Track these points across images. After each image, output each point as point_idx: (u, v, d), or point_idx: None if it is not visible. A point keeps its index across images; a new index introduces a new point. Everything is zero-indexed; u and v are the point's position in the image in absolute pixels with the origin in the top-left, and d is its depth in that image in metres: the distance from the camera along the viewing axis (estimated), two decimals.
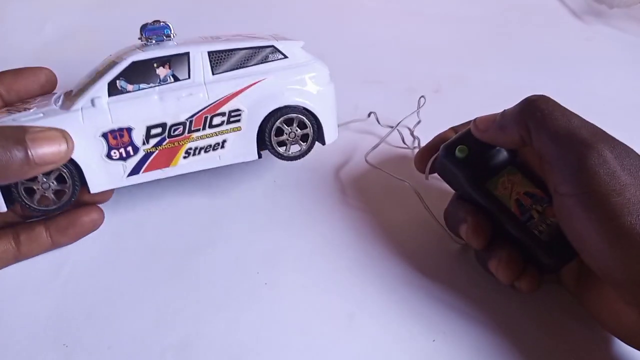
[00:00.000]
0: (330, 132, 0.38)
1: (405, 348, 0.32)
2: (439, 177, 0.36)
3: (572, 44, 0.57)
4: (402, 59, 0.53)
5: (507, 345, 0.32)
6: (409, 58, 0.53)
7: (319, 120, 0.37)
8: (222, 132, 0.35)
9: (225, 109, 0.34)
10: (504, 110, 0.33)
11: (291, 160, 0.37)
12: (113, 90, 0.33)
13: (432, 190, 0.39)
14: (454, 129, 0.37)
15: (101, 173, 0.34)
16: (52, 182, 0.32)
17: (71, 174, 0.33)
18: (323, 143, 0.38)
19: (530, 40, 0.56)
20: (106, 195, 0.36)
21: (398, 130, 0.44)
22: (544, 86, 0.50)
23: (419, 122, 0.45)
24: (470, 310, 0.34)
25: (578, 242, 0.29)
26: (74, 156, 0.32)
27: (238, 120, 0.35)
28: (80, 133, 0.32)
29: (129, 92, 0.33)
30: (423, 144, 0.38)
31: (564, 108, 0.30)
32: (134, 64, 0.33)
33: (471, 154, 0.34)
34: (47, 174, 0.32)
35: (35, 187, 0.32)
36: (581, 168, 0.28)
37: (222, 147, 0.35)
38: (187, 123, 0.34)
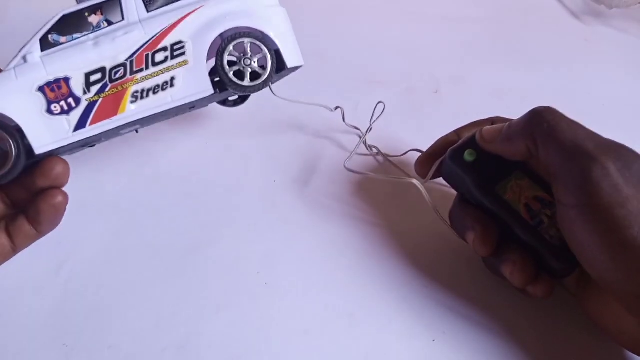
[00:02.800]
0: (290, 55, 0.35)
1: (405, 348, 0.32)
2: (432, 180, 0.36)
3: (571, 44, 0.57)
4: (402, 59, 0.53)
5: (507, 346, 0.32)
6: (408, 58, 0.53)
7: (273, 41, 0.34)
8: (168, 69, 0.33)
9: (165, 43, 0.33)
10: (510, 121, 0.33)
11: (255, 90, 0.35)
12: (45, 45, 0.32)
13: (432, 191, 0.39)
14: (456, 132, 0.37)
15: (44, 131, 0.32)
16: None
17: (11, 134, 0.31)
18: (285, 67, 0.35)
19: (529, 41, 0.56)
20: (61, 174, 0.33)
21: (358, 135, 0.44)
22: (543, 87, 0.50)
23: (369, 130, 0.43)
24: (470, 311, 0.34)
25: (580, 253, 0.29)
26: (10, 115, 0.31)
27: (183, 54, 0.33)
28: (16, 90, 0.31)
29: (62, 44, 0.32)
30: (383, 151, 0.37)
31: (570, 120, 0.30)
32: (64, 17, 0.32)
33: (480, 158, 0.33)
34: None
35: None
36: (584, 180, 0.28)
37: (172, 85, 0.33)
38: (128, 64, 0.32)
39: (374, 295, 0.35)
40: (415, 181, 0.36)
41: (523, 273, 0.31)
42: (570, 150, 0.29)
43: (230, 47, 0.34)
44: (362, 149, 0.43)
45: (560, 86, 0.50)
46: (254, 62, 0.34)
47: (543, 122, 0.30)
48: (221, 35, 0.34)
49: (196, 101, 0.34)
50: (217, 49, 0.34)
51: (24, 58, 0.32)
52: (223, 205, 0.40)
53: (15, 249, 0.33)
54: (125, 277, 0.35)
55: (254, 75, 0.34)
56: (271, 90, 0.36)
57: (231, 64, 0.34)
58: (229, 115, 0.46)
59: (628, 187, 0.27)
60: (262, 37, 0.34)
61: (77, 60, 0.32)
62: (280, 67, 0.35)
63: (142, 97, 0.33)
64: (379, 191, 0.41)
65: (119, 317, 0.33)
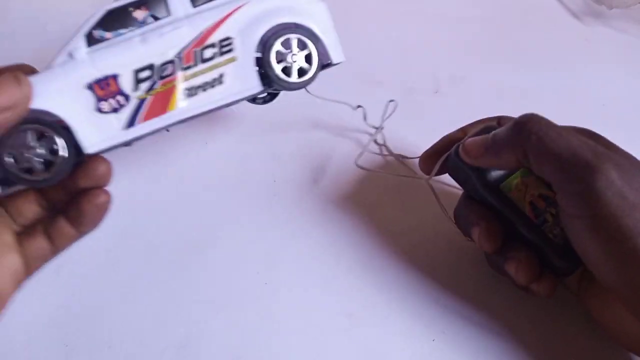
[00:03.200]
0: (335, 51, 0.35)
1: (404, 348, 0.32)
2: (437, 178, 0.36)
3: (572, 44, 0.57)
4: (402, 60, 0.53)
5: (507, 345, 0.32)
6: (408, 58, 0.53)
7: (318, 37, 0.34)
8: (217, 66, 0.32)
9: (214, 39, 0.32)
10: (494, 133, 0.32)
11: (302, 87, 0.34)
12: (91, 41, 0.31)
13: (437, 191, 0.39)
14: (462, 130, 0.37)
15: (94, 130, 0.31)
16: (41, 150, 0.29)
17: (60, 134, 0.30)
18: (330, 63, 0.35)
19: (530, 41, 0.56)
20: (105, 174, 0.32)
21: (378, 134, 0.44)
22: (543, 86, 0.50)
23: (380, 129, 0.44)
24: (470, 311, 0.34)
25: (586, 259, 0.29)
26: (60, 114, 0.30)
27: (231, 50, 0.32)
28: (64, 88, 0.30)
29: (107, 39, 0.31)
30: (393, 150, 0.37)
31: (558, 127, 0.30)
32: (109, 12, 0.31)
33: None
34: (37, 139, 0.29)
35: (23, 153, 0.29)
36: (588, 192, 0.27)
37: (221, 82, 0.33)
38: (177, 60, 0.32)
39: (373, 295, 0.35)
40: (423, 179, 0.36)
41: (527, 271, 0.31)
42: (567, 162, 0.28)
43: (279, 43, 0.33)
44: (372, 147, 0.43)
45: (560, 86, 0.50)
46: (301, 58, 0.34)
47: (530, 133, 0.29)
48: (268, 31, 0.33)
49: (243, 98, 0.34)
50: (264, 45, 0.33)
51: (70, 54, 0.31)
52: (223, 204, 0.40)
53: (55, 251, 0.32)
54: (125, 277, 0.35)
55: (300, 72, 0.34)
56: (306, 89, 0.36)
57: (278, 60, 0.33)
58: (229, 113, 0.46)
59: (633, 195, 0.27)
60: (309, 33, 0.34)
61: (125, 56, 0.31)
62: (324, 63, 0.35)
63: (191, 95, 0.32)
64: (381, 191, 0.41)
65: (119, 317, 0.33)
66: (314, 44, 0.34)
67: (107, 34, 0.31)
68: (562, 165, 0.28)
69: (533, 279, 0.31)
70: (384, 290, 0.35)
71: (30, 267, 0.30)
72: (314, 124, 0.46)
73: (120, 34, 0.31)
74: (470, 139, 0.33)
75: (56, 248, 0.31)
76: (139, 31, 0.31)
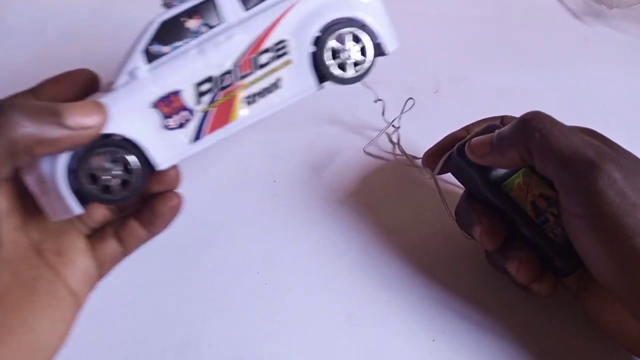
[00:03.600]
0: (389, 40, 0.34)
1: (404, 347, 0.32)
2: (440, 176, 0.36)
3: (572, 44, 0.57)
4: (402, 60, 0.53)
5: (507, 345, 0.32)
6: (408, 58, 0.53)
7: (372, 29, 0.33)
8: (274, 70, 0.32)
9: (268, 43, 0.32)
10: (498, 132, 0.32)
11: (357, 81, 0.34)
12: (150, 57, 0.31)
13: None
14: (466, 129, 0.37)
15: (164, 147, 0.31)
16: (118, 171, 0.30)
17: (135, 154, 0.30)
18: (384, 53, 0.34)
19: (530, 41, 0.56)
20: (176, 178, 0.34)
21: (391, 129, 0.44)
22: (543, 86, 0.50)
23: (397, 128, 0.43)
24: (470, 311, 0.34)
25: (587, 259, 0.29)
26: (131, 136, 0.30)
27: (286, 53, 0.32)
28: (130, 109, 0.30)
29: (165, 54, 0.31)
30: (407, 150, 0.37)
31: (561, 124, 0.30)
32: (162, 24, 0.31)
33: None
34: (112, 161, 0.30)
35: (101, 175, 0.30)
36: (590, 190, 0.27)
37: (278, 86, 0.32)
38: (235, 70, 0.31)
39: (373, 294, 0.35)
40: (428, 175, 0.36)
41: (529, 270, 0.31)
42: (570, 160, 0.28)
43: (333, 40, 0.32)
44: (381, 144, 0.43)
45: (560, 86, 0.50)
46: (356, 52, 0.33)
47: (534, 131, 0.29)
48: (321, 29, 0.32)
49: (300, 99, 0.33)
50: (318, 44, 0.32)
51: (132, 74, 0.31)
52: (222, 204, 0.40)
53: (125, 252, 0.33)
54: (125, 277, 0.35)
55: (355, 65, 0.33)
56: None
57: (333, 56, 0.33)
58: None
59: (635, 194, 0.27)
60: (362, 26, 0.33)
61: (185, 71, 0.31)
62: (379, 53, 0.34)
63: (251, 102, 0.32)
64: (381, 191, 0.41)
65: (118, 317, 0.33)
66: (368, 36, 0.33)
67: (165, 48, 0.31)
68: (564, 162, 0.28)
69: (534, 279, 0.31)
70: (384, 290, 0.35)
71: (102, 269, 0.32)
72: (314, 124, 0.46)
73: (177, 47, 0.31)
74: (476, 138, 0.33)
75: (126, 249, 0.33)
76: (194, 42, 0.31)
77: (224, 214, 0.39)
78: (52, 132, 0.26)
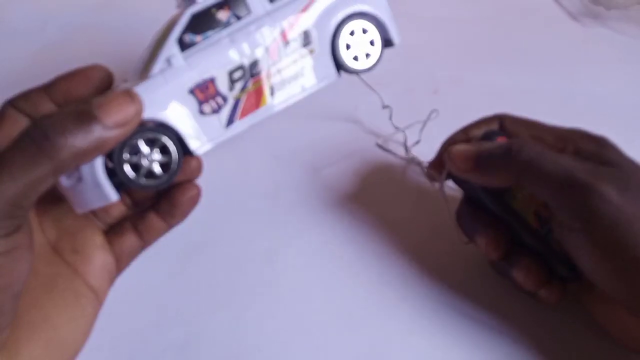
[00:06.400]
0: (394, 32, 0.37)
1: (404, 347, 0.33)
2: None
3: (569, 45, 0.57)
4: (401, 61, 0.53)
5: (508, 345, 0.33)
6: (407, 59, 0.54)
7: (382, 22, 0.36)
8: (299, 59, 0.34)
9: (294, 33, 0.33)
10: (481, 150, 0.32)
11: (370, 70, 0.36)
12: (184, 45, 0.32)
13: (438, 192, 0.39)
14: (464, 131, 0.36)
15: (200, 132, 0.32)
16: (157, 155, 0.31)
17: (171, 138, 0.31)
18: (392, 44, 0.37)
19: (528, 42, 0.57)
20: (197, 169, 0.35)
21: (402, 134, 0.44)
22: (542, 87, 0.51)
23: (417, 142, 0.43)
24: (471, 310, 0.34)
25: (587, 271, 0.29)
26: (170, 122, 0.31)
27: (310, 43, 0.34)
28: (169, 95, 0.31)
29: (198, 43, 0.32)
30: (418, 158, 0.37)
31: (550, 153, 0.30)
32: (194, 16, 0.32)
33: None
34: (150, 145, 0.30)
35: (141, 162, 0.30)
36: (586, 210, 0.27)
37: (302, 75, 0.34)
38: (264, 58, 0.33)
39: (373, 294, 0.35)
40: (435, 185, 0.36)
41: (537, 277, 0.31)
42: (561, 185, 0.28)
43: (346, 32, 0.34)
44: (392, 147, 0.43)
45: (558, 87, 0.50)
46: (367, 43, 0.35)
47: (517, 157, 0.30)
48: (341, 20, 0.34)
49: (321, 87, 0.35)
50: (334, 35, 0.34)
51: (168, 61, 0.32)
52: (222, 203, 0.40)
53: (143, 245, 0.33)
54: (125, 277, 0.35)
55: (365, 56, 0.35)
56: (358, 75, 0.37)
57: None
58: None
59: (631, 206, 0.27)
60: (373, 19, 0.35)
61: (218, 59, 0.32)
62: (387, 45, 0.36)
63: (279, 89, 0.34)
64: (382, 192, 0.41)
65: (119, 317, 0.33)
66: (377, 29, 0.35)
67: (197, 37, 0.32)
68: (556, 189, 0.28)
69: (542, 285, 0.31)
70: (384, 290, 0.35)
71: (121, 263, 0.32)
72: (315, 124, 0.46)
73: (209, 36, 0.32)
74: (457, 148, 0.33)
75: (145, 242, 0.33)
76: (225, 32, 0.33)
77: (224, 213, 0.39)
78: (95, 140, 0.26)
